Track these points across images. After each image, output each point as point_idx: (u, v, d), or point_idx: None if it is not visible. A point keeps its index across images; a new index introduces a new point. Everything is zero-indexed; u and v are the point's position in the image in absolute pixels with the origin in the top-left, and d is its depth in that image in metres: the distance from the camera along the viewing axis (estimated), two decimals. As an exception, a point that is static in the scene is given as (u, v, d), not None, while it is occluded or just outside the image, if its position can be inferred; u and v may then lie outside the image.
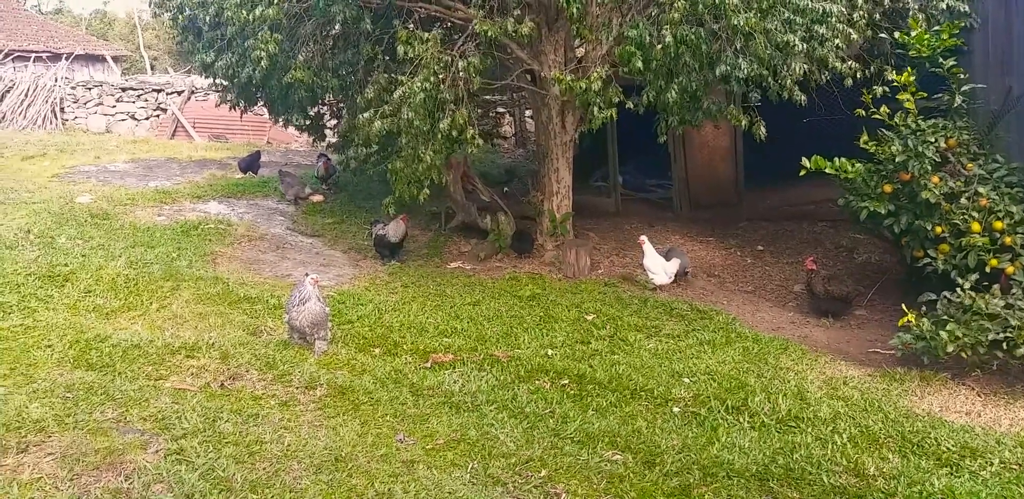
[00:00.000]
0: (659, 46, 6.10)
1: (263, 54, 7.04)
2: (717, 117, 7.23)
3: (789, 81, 6.60)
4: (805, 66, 6.42)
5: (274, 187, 10.97)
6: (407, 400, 4.76)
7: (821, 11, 5.78)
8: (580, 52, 8.12)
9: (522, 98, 13.61)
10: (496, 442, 4.28)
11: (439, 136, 6.74)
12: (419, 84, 6.57)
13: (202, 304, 6.25)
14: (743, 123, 7.29)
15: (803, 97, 6.76)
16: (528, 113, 15.94)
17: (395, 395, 4.80)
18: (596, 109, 6.81)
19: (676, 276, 7.55)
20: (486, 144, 12.36)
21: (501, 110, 16.37)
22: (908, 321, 5.50)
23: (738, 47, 6.24)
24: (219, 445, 4.02)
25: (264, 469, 3.86)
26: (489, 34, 6.68)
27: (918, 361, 5.53)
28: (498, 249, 8.61)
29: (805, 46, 6.26)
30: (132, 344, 5.22)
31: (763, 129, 7.18)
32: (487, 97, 12.74)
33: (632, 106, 6.90)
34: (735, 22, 5.68)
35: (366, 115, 6.88)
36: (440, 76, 6.66)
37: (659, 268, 7.51)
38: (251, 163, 12.15)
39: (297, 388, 4.81)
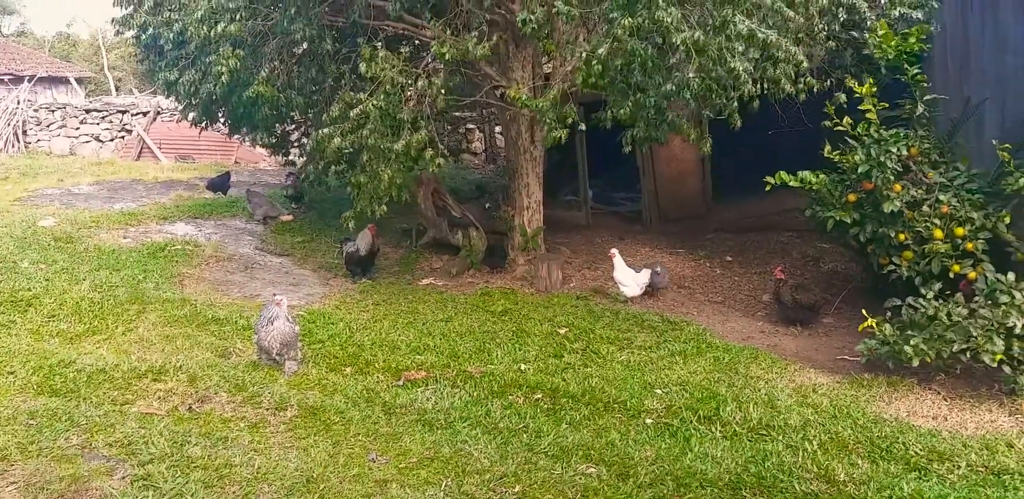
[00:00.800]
0: (597, 63, 6.22)
1: (224, 69, 7.05)
2: (679, 131, 7.34)
3: (734, 103, 6.75)
4: (753, 88, 6.59)
5: (242, 207, 10.89)
6: (379, 419, 4.73)
7: (765, 40, 5.95)
8: (549, 68, 8.22)
9: (492, 114, 13.72)
10: (470, 459, 4.26)
11: (395, 156, 6.77)
12: (374, 102, 6.61)
13: (169, 326, 6.17)
14: (691, 137, 7.43)
15: (737, 122, 6.90)
16: (498, 129, 16.05)
17: (367, 414, 4.77)
18: (547, 128, 6.92)
19: (654, 289, 7.63)
20: (452, 161, 12.45)
21: (471, 126, 16.47)
22: (870, 326, 5.60)
23: (689, 65, 6.38)
24: (187, 470, 3.96)
25: (234, 493, 3.81)
26: (447, 57, 6.76)
27: (884, 367, 5.62)
28: (470, 265, 8.63)
29: (751, 72, 6.43)
30: (97, 369, 5.14)
31: (708, 146, 7.48)
32: (457, 114, 12.83)
33: (599, 122, 6.99)
34: (675, 40, 5.84)
35: (325, 131, 6.91)
36: (400, 95, 6.71)
37: (630, 280, 7.62)
38: (221, 183, 12.07)
39: (267, 410, 4.75)
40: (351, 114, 6.75)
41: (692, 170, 10.87)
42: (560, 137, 6.89)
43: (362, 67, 6.76)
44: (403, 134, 6.75)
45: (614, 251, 7.76)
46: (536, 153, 8.49)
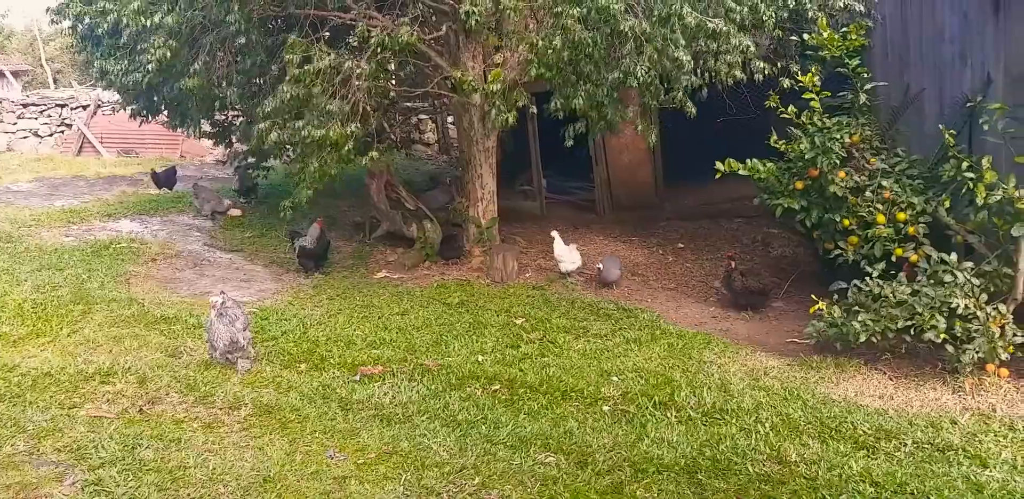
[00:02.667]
0: (552, 53, 6.24)
1: (152, 58, 6.92)
2: (623, 120, 7.43)
3: (681, 93, 6.84)
4: (696, 79, 6.69)
5: (189, 202, 10.65)
6: (336, 415, 4.69)
7: (711, 30, 6.02)
8: (500, 59, 8.18)
9: (444, 105, 13.60)
10: (429, 452, 4.25)
11: (318, 145, 6.72)
12: (294, 91, 6.53)
13: (116, 327, 6.02)
14: (638, 128, 7.51)
15: (692, 109, 7.01)
16: (451, 119, 15.93)
17: (324, 411, 4.73)
18: (495, 111, 6.90)
19: (611, 283, 7.78)
20: (403, 152, 12.33)
21: (423, 116, 16.32)
22: (820, 309, 5.74)
23: (635, 53, 6.43)
24: (140, 473, 3.87)
25: (188, 495, 3.74)
26: (372, 42, 6.69)
27: (832, 348, 5.77)
28: (425, 257, 8.58)
29: (692, 63, 6.52)
30: (42, 372, 4.99)
31: (654, 136, 7.63)
32: (408, 104, 12.70)
33: (551, 112, 6.99)
34: (623, 28, 5.87)
35: (263, 126, 6.82)
36: (325, 84, 6.62)
37: (566, 256, 7.92)
38: (167, 178, 11.76)
39: (221, 409, 4.67)
40: (275, 104, 6.68)
41: (644, 159, 10.95)
42: (507, 120, 6.88)
43: (287, 57, 6.66)
44: (332, 125, 6.67)
45: (555, 232, 8.13)
46: (489, 144, 8.46)
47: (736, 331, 6.70)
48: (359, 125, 6.80)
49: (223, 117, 9.96)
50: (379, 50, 6.76)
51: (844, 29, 6.72)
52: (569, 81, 6.75)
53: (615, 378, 5.38)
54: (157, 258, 8.25)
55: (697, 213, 10.46)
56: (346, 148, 6.78)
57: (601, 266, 7.86)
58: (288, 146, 7.14)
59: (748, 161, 6.62)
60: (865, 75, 6.75)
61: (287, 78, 6.64)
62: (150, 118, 9.98)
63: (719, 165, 6.47)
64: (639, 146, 10.89)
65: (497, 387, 5.22)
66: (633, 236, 9.74)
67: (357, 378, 5.30)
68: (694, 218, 10.27)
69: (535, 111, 7.70)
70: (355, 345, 5.97)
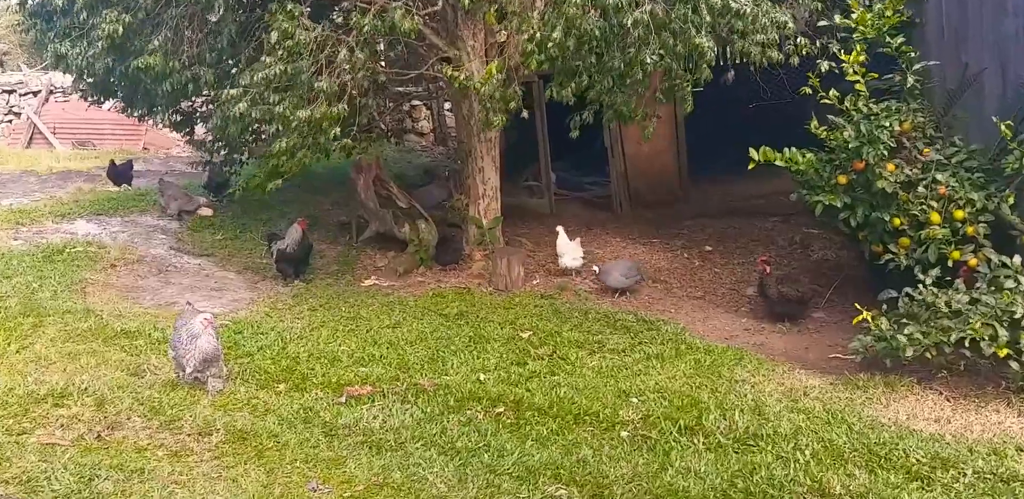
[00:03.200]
0: (553, 47, 6.29)
1: (103, 33, 6.98)
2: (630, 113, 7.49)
3: (702, 76, 6.86)
4: (710, 67, 6.75)
5: (153, 201, 10.68)
6: (320, 442, 4.69)
7: (736, 10, 6.05)
8: (504, 37, 8.17)
9: (441, 89, 13.64)
10: (424, 484, 4.25)
11: (296, 125, 6.76)
12: (281, 66, 6.58)
13: (72, 342, 6.03)
14: (635, 117, 7.58)
15: (689, 107, 7.18)
16: (448, 106, 15.94)
17: (305, 437, 4.73)
18: (491, 114, 6.94)
19: (616, 290, 7.79)
20: (394, 142, 12.35)
21: (417, 103, 16.36)
22: (865, 321, 5.72)
23: (642, 43, 6.46)
24: (97, 508, 3.88)
25: (152, 533, 3.74)
26: (366, 29, 6.72)
27: (881, 365, 5.75)
28: (419, 262, 8.60)
29: (715, 49, 6.56)
30: (-13, 394, 5.00)
31: (651, 129, 7.75)
32: (400, 89, 12.72)
33: (560, 98, 7.01)
34: (626, 22, 5.93)
35: (232, 92, 6.84)
36: (312, 58, 6.66)
37: (567, 250, 8.18)
38: (123, 173, 11.77)
39: (189, 435, 4.68)
40: (256, 78, 6.72)
41: (666, 149, 10.98)
42: (503, 121, 6.96)
43: (272, 25, 6.69)
44: (317, 105, 6.70)
45: (560, 227, 8.40)
46: (491, 133, 8.47)
47: (772, 345, 6.68)
48: (346, 107, 6.83)
49: (190, 103, 10.00)
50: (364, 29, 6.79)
51: (879, 5, 6.69)
52: (571, 70, 6.79)
53: (635, 399, 5.38)
54: (117, 264, 8.26)
55: (727, 211, 10.47)
56: (331, 133, 6.81)
57: (598, 268, 7.89)
58: (257, 130, 7.15)
59: (785, 150, 6.61)
60: (912, 54, 6.72)
61: (275, 51, 6.66)
62: (102, 102, 9.99)
63: (753, 154, 6.46)
64: (660, 134, 10.90)
65: (501, 410, 5.22)
66: (654, 237, 9.74)
67: (343, 400, 5.30)
68: (724, 216, 10.28)
69: (526, 113, 7.77)
70: (340, 362, 5.97)
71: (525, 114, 7.09)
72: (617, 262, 8.16)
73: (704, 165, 11.24)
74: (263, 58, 6.82)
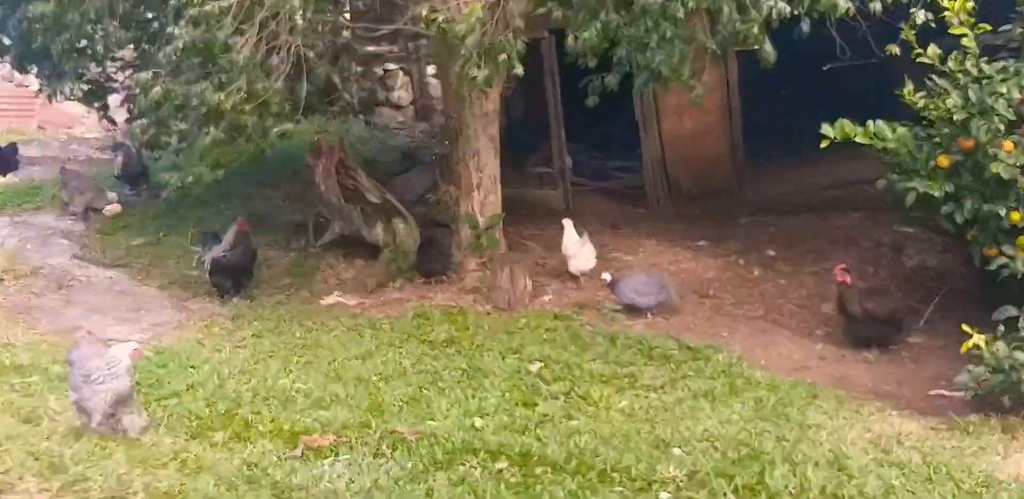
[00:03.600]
0: None
1: None
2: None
3: (756, 28, 6.81)
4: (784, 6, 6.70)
5: (51, 195, 10.69)
6: (268, 509, 4.68)
7: None
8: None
9: (422, 48, 13.65)
10: (404, 564, 4.24)
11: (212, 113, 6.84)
12: (189, 32, 6.63)
13: (-54, 379, 6.04)
14: (682, 77, 7.46)
15: (770, 56, 6.98)
16: (431, 70, 15.92)
17: (250, 502, 4.72)
18: (473, 67, 6.86)
19: (647, 310, 7.81)
20: (362, 118, 12.34)
21: (391, 67, 16.38)
22: (976, 346, 5.69)
23: None
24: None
25: None
26: None
27: (998, 404, 5.72)
28: (396, 273, 8.60)
29: None
30: None
31: (700, 90, 7.59)
32: (370, 49, 12.74)
33: (574, 56, 6.98)
34: None
35: (144, 75, 6.86)
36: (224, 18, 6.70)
37: (577, 251, 8.40)
38: (5, 159, 11.80)
39: (99, 501, 4.67)
40: (165, 52, 6.77)
41: (714, 125, 10.93)
42: (486, 79, 6.87)
43: None
44: (236, 83, 6.72)
45: (567, 221, 8.56)
46: (488, 105, 8.47)
47: (855, 379, 6.66)
48: (277, 85, 6.84)
49: (100, 69, 10.01)
50: None
51: None
52: (590, 5, 6.72)
53: (677, 450, 5.35)
54: (4, 277, 8.27)
55: (794, 204, 10.43)
56: (248, 121, 6.83)
57: (608, 277, 7.93)
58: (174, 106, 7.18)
59: (869, 124, 6.59)
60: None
61: (184, 19, 6.69)
62: None
63: (826, 129, 6.44)
64: (708, 105, 10.87)
65: (504, 465, 5.18)
66: (701, 239, 9.71)
67: (298, 453, 5.28)
68: (790, 211, 10.24)
69: (520, 71, 7.67)
70: (294, 403, 5.96)
71: (520, 70, 6.99)
72: (633, 275, 8.15)
73: (765, 145, 11.20)
74: (173, 29, 6.83)
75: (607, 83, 7.25)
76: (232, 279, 8.09)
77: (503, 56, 6.85)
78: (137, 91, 7.49)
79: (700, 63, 7.80)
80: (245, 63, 6.71)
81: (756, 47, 6.98)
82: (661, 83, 7.58)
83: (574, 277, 8.37)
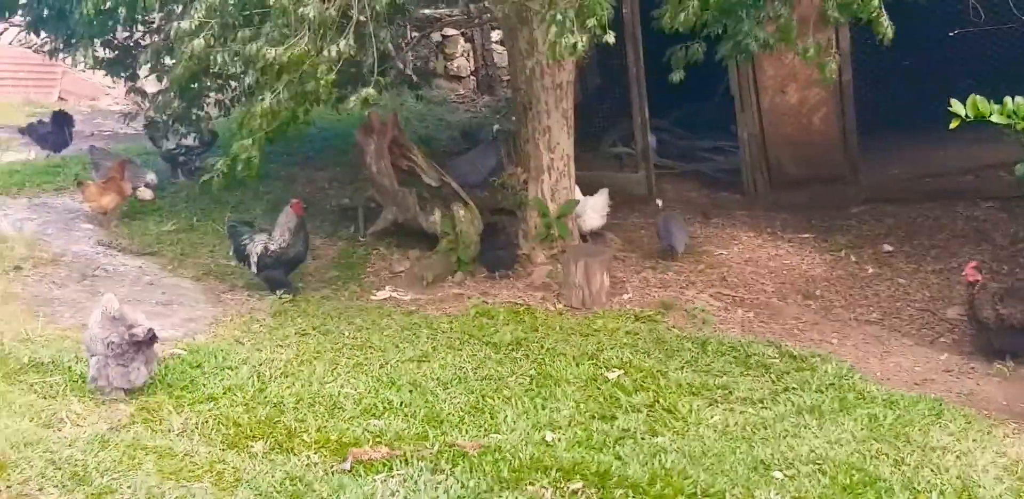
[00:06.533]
0: None
1: None
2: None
3: None
4: None
5: (73, 174, 10.89)
6: (313, 529, 4.72)
7: None
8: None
9: (485, 11, 13.64)
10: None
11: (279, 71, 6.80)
12: None
13: (-41, 378, 6.17)
14: (807, 53, 7.32)
15: (888, 28, 6.84)
16: (496, 36, 15.95)
17: (292, 521, 4.77)
18: (554, 30, 6.73)
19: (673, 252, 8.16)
20: (419, 91, 12.38)
21: (451, 32, 16.43)
22: None
23: None
24: None
25: None
26: None
27: None
28: (456, 265, 8.62)
29: None
30: None
31: (835, 66, 7.46)
32: (426, 11, 12.78)
33: (661, 23, 6.92)
34: None
35: (183, 25, 6.83)
36: None
37: (585, 204, 8.62)
38: (56, 134, 11.97)
39: (126, 516, 4.75)
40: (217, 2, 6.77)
41: (823, 100, 10.80)
42: (576, 45, 6.73)
43: None
44: (299, 40, 6.71)
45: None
46: (562, 76, 8.45)
47: (987, 394, 6.56)
48: (351, 43, 6.83)
49: (128, 34, 10.14)
50: None
51: None
52: None
53: (778, 474, 5.31)
54: (23, 266, 8.40)
55: (916, 192, 10.30)
56: (326, 79, 6.82)
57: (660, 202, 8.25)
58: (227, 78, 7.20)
59: (1007, 101, 6.47)
60: None
61: None
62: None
63: (956, 107, 6.33)
64: (814, 76, 10.73)
65: (578, 486, 5.17)
66: (805, 232, 9.65)
67: (347, 466, 5.30)
68: (911, 200, 10.14)
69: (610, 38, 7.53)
70: (343, 411, 5.99)
71: (611, 38, 6.87)
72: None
73: (881, 124, 11.04)
74: None
75: (690, 55, 7.14)
76: (287, 272, 8.12)
77: (592, 21, 6.74)
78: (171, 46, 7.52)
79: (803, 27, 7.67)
80: (318, 18, 6.69)
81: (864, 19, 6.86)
82: (765, 50, 7.48)
83: (668, 279, 8.38)
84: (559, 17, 6.54)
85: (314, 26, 6.70)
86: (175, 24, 7.02)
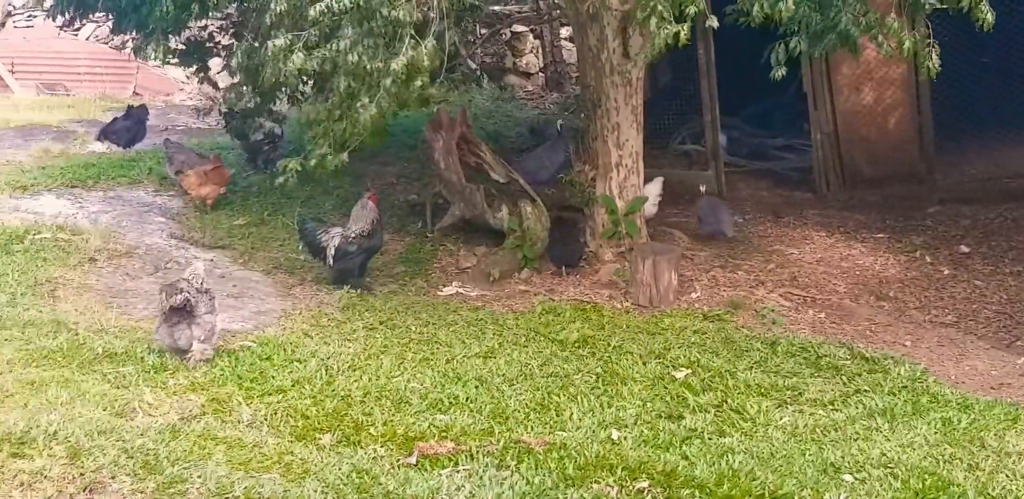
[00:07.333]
0: None
1: None
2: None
3: None
4: None
5: (147, 168, 11.04)
6: (380, 522, 4.75)
7: None
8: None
9: (556, 7, 13.63)
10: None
11: (388, 81, 6.79)
12: None
13: (36, 366, 6.24)
14: (905, 45, 7.17)
15: (988, 14, 6.66)
16: (565, 33, 15.92)
17: (359, 514, 4.79)
18: (654, 21, 6.63)
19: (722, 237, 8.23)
20: (488, 87, 12.37)
21: (520, 29, 16.43)
22: None
23: None
24: None
25: None
26: None
27: None
28: (523, 262, 8.64)
29: None
30: (-79, 437, 5.23)
31: (936, 59, 7.14)
32: (495, 8, 12.78)
33: (737, 17, 6.85)
34: None
35: (279, 43, 6.88)
36: None
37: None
38: (130, 129, 12.15)
39: (198, 505, 4.80)
40: (314, 11, 6.75)
41: (899, 98, 10.69)
42: (678, 35, 6.63)
43: None
44: (402, 46, 6.72)
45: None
46: (633, 72, 8.41)
47: (1065, 400, 6.44)
48: (435, 43, 6.85)
49: (201, 28, 10.25)
50: None
51: None
52: None
53: (849, 477, 5.26)
54: (98, 257, 8.51)
55: (995, 192, 10.17)
56: (418, 82, 6.84)
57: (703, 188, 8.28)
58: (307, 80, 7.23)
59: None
60: None
61: None
62: (77, 23, 10.26)
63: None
64: (891, 75, 10.62)
65: (645, 485, 5.15)
66: (879, 232, 9.57)
67: (412, 460, 5.33)
68: (989, 201, 10.03)
69: (714, 22, 7.44)
70: (409, 405, 6.03)
71: (714, 21, 6.67)
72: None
73: (959, 122, 10.89)
74: None
75: (791, 49, 7.02)
76: (362, 266, 8.18)
77: (692, 8, 6.60)
78: (242, 59, 7.60)
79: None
80: (408, 20, 6.68)
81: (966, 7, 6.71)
82: (848, 47, 7.36)
83: (738, 279, 8.35)
84: (659, 7, 6.47)
85: (408, 30, 6.72)
86: (272, 43, 7.03)
